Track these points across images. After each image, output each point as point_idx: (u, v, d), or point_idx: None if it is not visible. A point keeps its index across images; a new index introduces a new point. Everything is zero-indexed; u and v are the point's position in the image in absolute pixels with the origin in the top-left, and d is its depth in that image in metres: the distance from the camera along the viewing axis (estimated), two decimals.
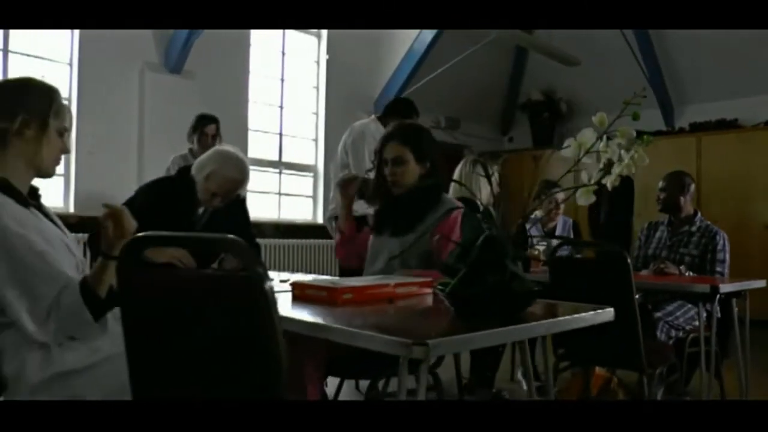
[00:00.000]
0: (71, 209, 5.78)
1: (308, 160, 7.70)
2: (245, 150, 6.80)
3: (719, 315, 3.21)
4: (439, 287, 1.55)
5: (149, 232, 1.18)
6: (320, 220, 7.64)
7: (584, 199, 1.63)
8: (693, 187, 3.87)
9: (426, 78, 7.68)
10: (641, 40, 8.04)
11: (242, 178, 2.89)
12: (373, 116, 4.11)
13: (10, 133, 1.70)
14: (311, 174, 7.73)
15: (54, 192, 5.72)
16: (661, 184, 3.88)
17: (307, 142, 7.71)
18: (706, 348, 3.00)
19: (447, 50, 7.67)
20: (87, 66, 5.78)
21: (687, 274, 3.58)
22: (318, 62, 7.75)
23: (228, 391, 1.11)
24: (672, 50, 8.17)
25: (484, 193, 3.36)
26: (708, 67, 7.94)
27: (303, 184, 7.69)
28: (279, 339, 1.03)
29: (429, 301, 1.90)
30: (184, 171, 2.98)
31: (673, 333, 3.27)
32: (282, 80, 7.43)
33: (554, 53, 7.57)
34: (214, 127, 4.74)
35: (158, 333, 1.21)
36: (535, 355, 3.97)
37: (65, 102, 1.89)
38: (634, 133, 1.58)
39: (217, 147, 3.18)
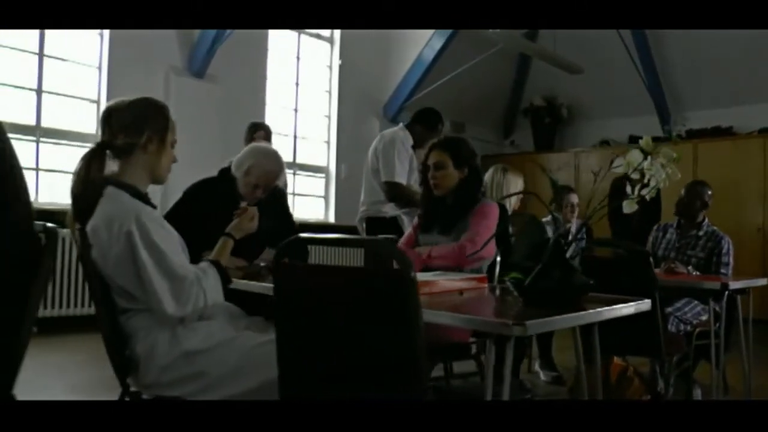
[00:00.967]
0: None
1: (320, 162, 7.98)
2: None
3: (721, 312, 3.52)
4: (510, 280, 1.85)
5: (306, 235, 1.46)
6: (332, 219, 7.93)
7: (629, 207, 1.93)
8: (710, 199, 4.15)
9: (434, 84, 7.97)
10: (640, 49, 8.37)
11: (279, 168, 3.13)
12: (401, 124, 4.39)
13: (137, 147, 1.98)
14: (323, 175, 8.01)
15: None
16: (683, 191, 4.15)
17: (319, 143, 7.99)
18: (716, 341, 3.30)
19: (454, 57, 7.96)
20: (116, 69, 6.03)
21: (694, 273, 3.88)
22: (330, 67, 8.03)
23: (376, 375, 1.39)
24: (670, 59, 8.51)
25: (514, 198, 3.68)
26: (704, 76, 8.27)
27: (315, 184, 7.96)
28: (421, 326, 1.32)
29: (487, 292, 2.20)
30: (225, 171, 3.23)
31: (681, 327, 3.58)
32: (297, 84, 7.70)
33: (559, 61, 7.87)
34: (263, 132, 5.09)
35: (311, 323, 1.49)
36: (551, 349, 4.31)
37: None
38: (674, 155, 1.88)
39: (252, 144, 3.45)
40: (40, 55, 5.67)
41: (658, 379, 3.49)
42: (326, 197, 8.04)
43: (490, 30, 6.79)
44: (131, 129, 1.98)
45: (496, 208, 2.83)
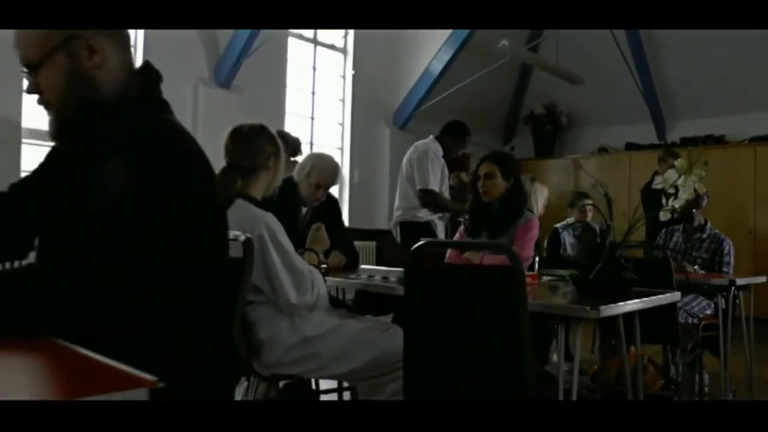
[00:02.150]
0: None
1: None
2: None
3: (724, 306, 3.95)
4: (570, 276, 2.25)
5: (430, 239, 1.85)
6: (345, 221, 8.31)
7: (664, 216, 2.34)
8: (706, 202, 4.57)
9: (442, 95, 8.36)
10: (637, 60, 8.81)
11: (336, 168, 3.54)
12: (431, 137, 4.79)
13: (260, 167, 2.38)
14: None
15: None
16: None
17: (333, 150, 8.37)
18: (724, 334, 3.73)
19: (461, 69, 8.37)
20: None
21: (700, 272, 4.31)
22: (344, 77, 8.42)
23: (489, 362, 1.77)
24: (665, 70, 8.96)
25: (540, 205, 4.10)
26: (698, 86, 8.72)
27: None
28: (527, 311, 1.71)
29: (539, 288, 2.60)
30: (288, 179, 3.62)
31: (690, 319, 4.00)
32: (313, 93, 8.09)
33: (561, 72, 8.29)
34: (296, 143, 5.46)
35: (436, 316, 1.88)
36: (568, 340, 4.71)
37: None
38: (702, 173, 2.29)
39: (309, 152, 3.87)
40: None
41: (671, 367, 3.91)
42: (340, 201, 8.42)
43: (500, 44, 7.19)
44: (254, 153, 2.37)
45: (537, 221, 3.25)
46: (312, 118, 8.09)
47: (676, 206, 2.36)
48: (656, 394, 3.77)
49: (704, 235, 4.52)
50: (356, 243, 4.50)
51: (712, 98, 8.64)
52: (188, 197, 1.30)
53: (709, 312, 4.09)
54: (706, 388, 4.01)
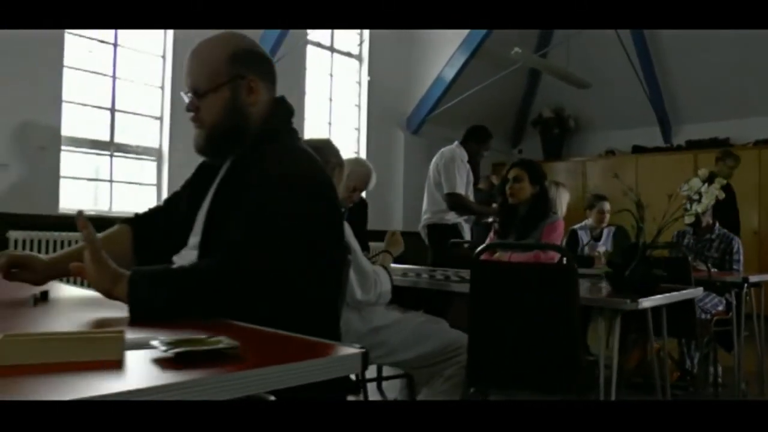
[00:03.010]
0: None
1: None
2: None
3: (735, 303, 4.22)
4: (604, 273, 2.52)
5: (493, 242, 2.12)
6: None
7: (688, 219, 2.61)
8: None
9: (454, 100, 8.63)
10: (644, 65, 9.07)
11: (371, 173, 3.79)
12: (456, 142, 5.06)
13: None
14: None
15: (146, 199, 6.60)
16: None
17: (350, 154, 8.62)
18: (738, 328, 3.99)
19: (472, 74, 8.63)
20: (178, 89, 6.65)
21: (712, 271, 4.58)
22: (360, 83, 8.70)
23: (547, 349, 2.04)
24: (671, 75, 9.24)
25: (564, 207, 4.38)
26: (703, 91, 9.00)
27: None
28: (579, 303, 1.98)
29: None
30: None
31: (703, 315, 4.26)
32: (330, 100, 8.36)
33: (569, 77, 8.56)
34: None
35: (499, 307, 2.15)
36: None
37: None
38: (725, 182, 2.56)
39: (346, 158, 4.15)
40: (114, 77, 6.29)
41: (686, 360, 4.18)
42: None
43: (513, 51, 7.46)
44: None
45: (562, 222, 3.52)
46: (329, 124, 8.36)
47: (699, 211, 2.62)
48: (673, 385, 4.04)
49: (713, 236, 4.79)
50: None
51: (717, 102, 8.91)
52: (323, 205, 1.57)
53: (720, 308, 4.36)
54: (720, 379, 4.28)
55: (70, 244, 5.62)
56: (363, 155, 8.64)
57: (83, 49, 6.03)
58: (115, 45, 6.31)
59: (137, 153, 6.54)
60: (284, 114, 1.76)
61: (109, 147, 6.25)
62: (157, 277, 1.35)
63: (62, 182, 5.83)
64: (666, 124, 9.54)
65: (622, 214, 2.65)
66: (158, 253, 1.72)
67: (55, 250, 5.51)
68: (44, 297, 1.51)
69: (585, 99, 9.59)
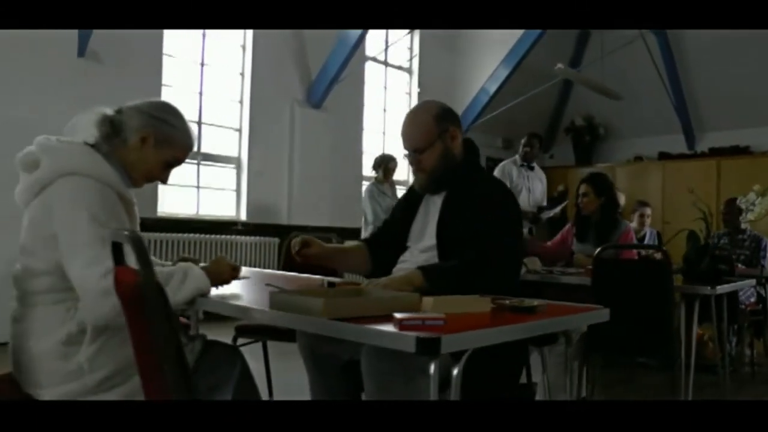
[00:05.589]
0: (242, 217, 7.41)
1: (402, 177, 9.38)
2: (360, 171, 8.54)
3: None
4: (679, 268, 3.25)
5: (617, 243, 2.86)
6: None
7: (743, 224, 3.33)
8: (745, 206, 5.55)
9: (495, 111, 9.32)
10: (670, 75, 9.72)
11: None
12: (517, 156, 5.84)
13: None
14: (404, 188, 9.38)
15: (227, 203, 7.36)
16: (723, 207, 5.57)
17: (402, 160, 9.35)
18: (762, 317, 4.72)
19: (512, 86, 9.33)
20: (255, 104, 7.42)
21: (743, 267, 5.29)
22: (410, 94, 9.43)
23: (649, 331, 2.75)
24: (696, 84, 9.90)
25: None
26: (725, 100, 9.65)
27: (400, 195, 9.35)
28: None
29: None
30: None
31: (739, 306, 4.98)
32: (384, 110, 9.10)
33: (604, 90, 9.23)
34: (395, 162, 6.44)
35: (614, 293, 2.86)
36: None
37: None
38: None
39: None
40: (200, 93, 7.04)
41: (726, 344, 4.90)
42: None
43: (556, 67, 8.16)
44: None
45: (630, 227, 4.23)
46: (383, 133, 9.09)
47: (752, 219, 3.34)
48: (715, 365, 4.75)
49: (745, 236, 5.50)
50: None
51: (738, 111, 9.58)
52: (518, 224, 2.31)
53: (753, 300, 5.07)
54: (755, 360, 5.00)
55: (168, 243, 6.39)
56: None
57: (177, 68, 6.79)
58: (202, 64, 7.06)
59: (219, 161, 7.29)
60: (475, 150, 2.47)
61: (197, 156, 7.00)
62: (441, 268, 2.11)
63: (160, 188, 6.56)
64: (690, 132, 10.21)
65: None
66: (386, 257, 2.44)
67: (154, 250, 6.25)
68: (332, 285, 2.21)
69: (614, 108, 10.23)
